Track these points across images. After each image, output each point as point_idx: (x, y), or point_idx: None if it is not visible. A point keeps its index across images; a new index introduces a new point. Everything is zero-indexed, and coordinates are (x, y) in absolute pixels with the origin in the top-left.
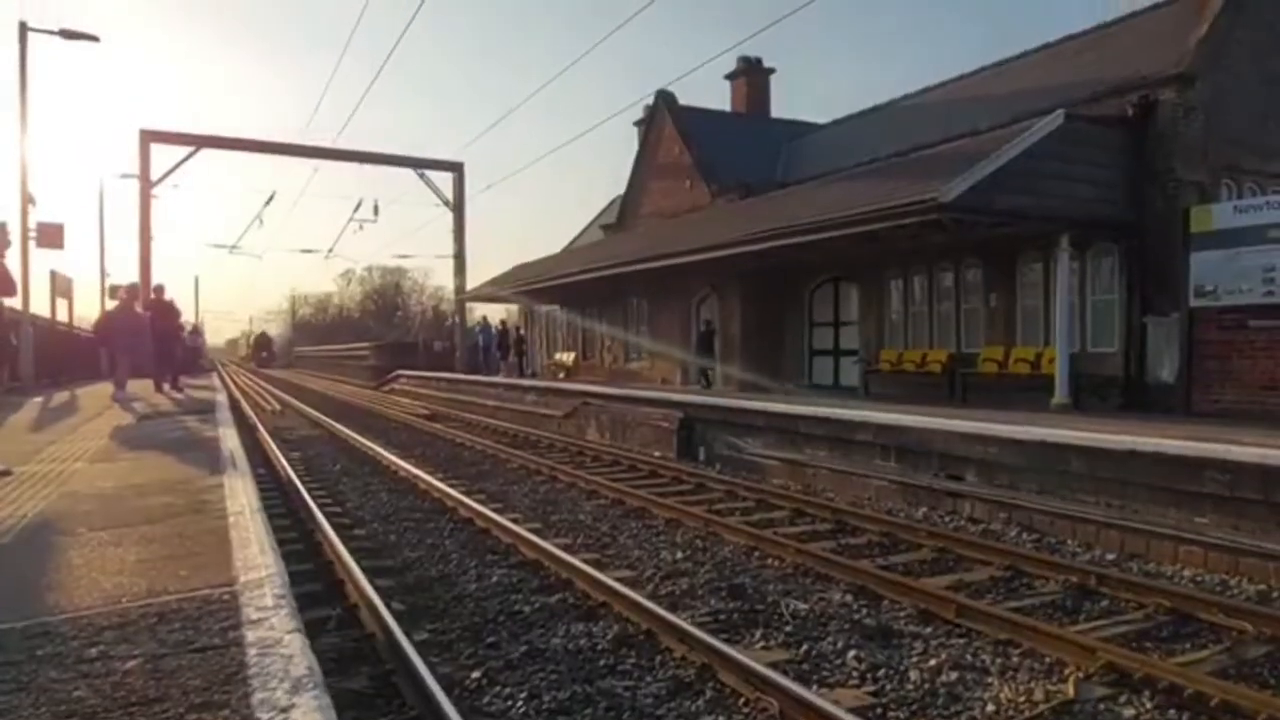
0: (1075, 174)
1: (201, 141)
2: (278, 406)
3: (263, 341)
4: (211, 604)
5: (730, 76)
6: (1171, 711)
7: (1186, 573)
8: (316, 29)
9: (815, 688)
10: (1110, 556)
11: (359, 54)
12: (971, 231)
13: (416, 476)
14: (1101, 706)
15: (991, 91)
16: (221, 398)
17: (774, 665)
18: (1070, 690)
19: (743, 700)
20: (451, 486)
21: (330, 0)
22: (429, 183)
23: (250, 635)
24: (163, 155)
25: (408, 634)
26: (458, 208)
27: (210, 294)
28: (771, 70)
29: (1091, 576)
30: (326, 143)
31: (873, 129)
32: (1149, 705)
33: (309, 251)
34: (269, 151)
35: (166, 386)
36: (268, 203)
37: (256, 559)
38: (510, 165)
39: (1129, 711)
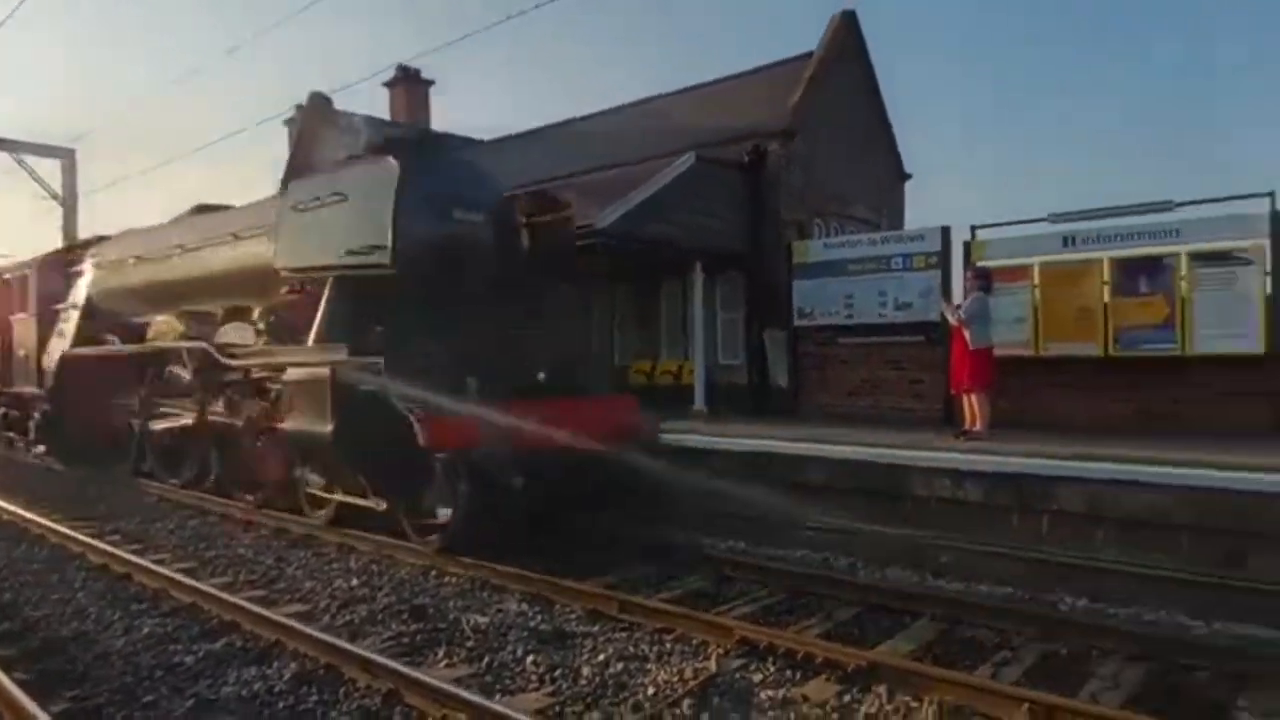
0: (706, 209)
1: None
2: None
3: None
4: None
5: (389, 84)
6: (788, 671)
7: (798, 554)
8: None
9: (499, 696)
10: (742, 546)
11: None
12: (621, 254)
13: (27, 520)
14: (737, 676)
15: (634, 127)
16: None
17: (458, 681)
18: (713, 665)
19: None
20: (75, 529)
21: None
22: (30, 171)
23: None
24: None
25: (42, 706)
26: (68, 201)
27: None
28: (431, 82)
29: (727, 565)
30: None
31: (527, 153)
32: (773, 669)
33: None
34: None
35: None
36: None
37: None
38: (158, 157)
39: (758, 676)
